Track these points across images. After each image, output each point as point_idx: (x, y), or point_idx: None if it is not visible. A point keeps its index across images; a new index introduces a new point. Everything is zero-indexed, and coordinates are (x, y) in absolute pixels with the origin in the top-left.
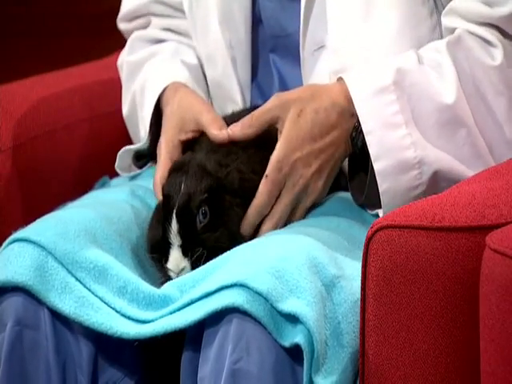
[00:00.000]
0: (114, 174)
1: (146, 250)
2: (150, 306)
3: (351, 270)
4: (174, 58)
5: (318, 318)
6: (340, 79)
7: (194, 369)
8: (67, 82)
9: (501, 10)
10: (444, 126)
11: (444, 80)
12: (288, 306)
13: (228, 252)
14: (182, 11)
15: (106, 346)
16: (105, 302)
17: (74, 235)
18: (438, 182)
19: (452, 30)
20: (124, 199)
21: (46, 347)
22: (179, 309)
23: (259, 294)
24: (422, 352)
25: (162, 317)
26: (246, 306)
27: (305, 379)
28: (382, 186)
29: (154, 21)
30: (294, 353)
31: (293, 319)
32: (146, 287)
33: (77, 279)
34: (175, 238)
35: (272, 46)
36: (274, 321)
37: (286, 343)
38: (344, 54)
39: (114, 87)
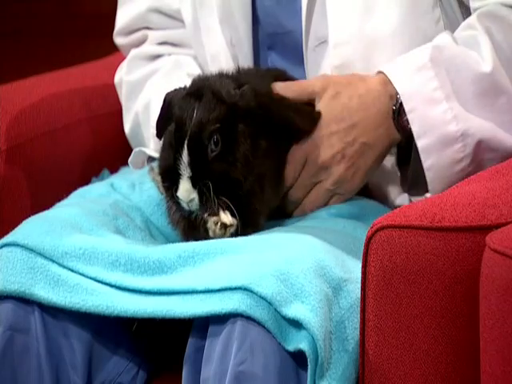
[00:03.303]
0: (113, 172)
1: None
2: (145, 273)
3: (358, 273)
4: (176, 71)
5: (322, 324)
6: (379, 72)
7: (196, 368)
8: (67, 82)
9: None
10: (484, 95)
11: (480, 50)
12: (292, 311)
13: (233, 239)
14: (178, 20)
15: (101, 344)
16: (99, 281)
17: (60, 230)
18: (482, 152)
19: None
20: (105, 193)
21: (37, 350)
22: (179, 292)
23: (263, 298)
24: (422, 352)
25: (159, 290)
26: (250, 312)
27: None
28: (427, 162)
29: (150, 35)
30: (299, 356)
31: (297, 324)
32: (140, 256)
33: (69, 269)
34: (185, 170)
35: (271, 43)
36: (278, 325)
37: (290, 348)
38: (344, 50)
39: (114, 88)
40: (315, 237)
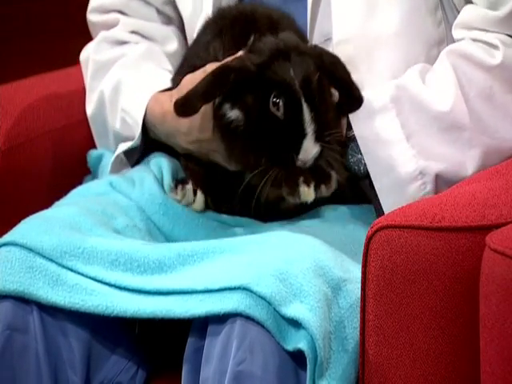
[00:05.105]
0: None
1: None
2: (145, 273)
3: (357, 273)
4: (148, 59)
5: (321, 323)
6: None
7: (196, 368)
8: (67, 82)
9: (506, 8)
10: (446, 131)
11: (442, 88)
12: (291, 310)
13: (232, 239)
14: (154, 9)
15: (100, 343)
16: (98, 281)
17: (58, 230)
18: (443, 189)
19: (459, 41)
20: (104, 192)
21: (36, 350)
22: (178, 292)
23: (262, 297)
24: (422, 352)
25: (158, 290)
26: (249, 312)
27: None
28: (387, 202)
29: (122, 20)
30: (298, 356)
31: (296, 324)
32: (140, 255)
33: (68, 269)
34: (310, 127)
35: None
36: (278, 324)
37: (290, 347)
38: (347, 47)
39: None
40: (314, 237)
